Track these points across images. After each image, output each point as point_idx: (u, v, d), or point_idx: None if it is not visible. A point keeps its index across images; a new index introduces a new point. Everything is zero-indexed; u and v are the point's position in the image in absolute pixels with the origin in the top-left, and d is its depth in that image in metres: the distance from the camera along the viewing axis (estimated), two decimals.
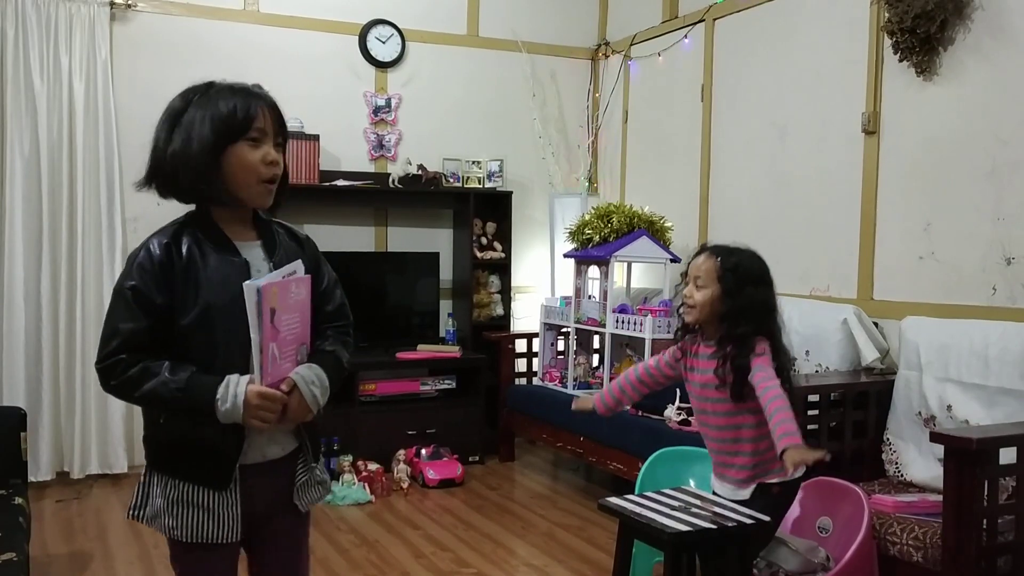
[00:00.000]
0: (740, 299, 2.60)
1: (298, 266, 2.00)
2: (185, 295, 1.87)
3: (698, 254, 2.72)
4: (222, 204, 1.99)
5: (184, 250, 1.94)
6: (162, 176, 1.96)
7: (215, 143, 1.89)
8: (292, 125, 5.22)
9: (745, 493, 2.67)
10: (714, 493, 2.76)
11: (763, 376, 2.54)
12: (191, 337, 1.86)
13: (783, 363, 2.64)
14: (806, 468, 2.57)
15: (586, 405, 2.94)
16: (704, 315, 2.65)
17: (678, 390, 4.15)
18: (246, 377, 1.84)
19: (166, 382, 1.82)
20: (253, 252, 2.01)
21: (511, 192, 5.84)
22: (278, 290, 1.86)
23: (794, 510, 3.21)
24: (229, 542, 1.93)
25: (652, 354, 4.54)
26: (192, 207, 2.06)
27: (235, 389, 1.82)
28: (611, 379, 4.82)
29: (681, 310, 2.74)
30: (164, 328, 1.86)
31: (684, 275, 2.76)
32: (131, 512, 2.03)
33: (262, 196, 2.01)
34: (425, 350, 5.50)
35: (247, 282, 1.85)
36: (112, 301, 1.90)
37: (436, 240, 5.90)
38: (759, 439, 2.63)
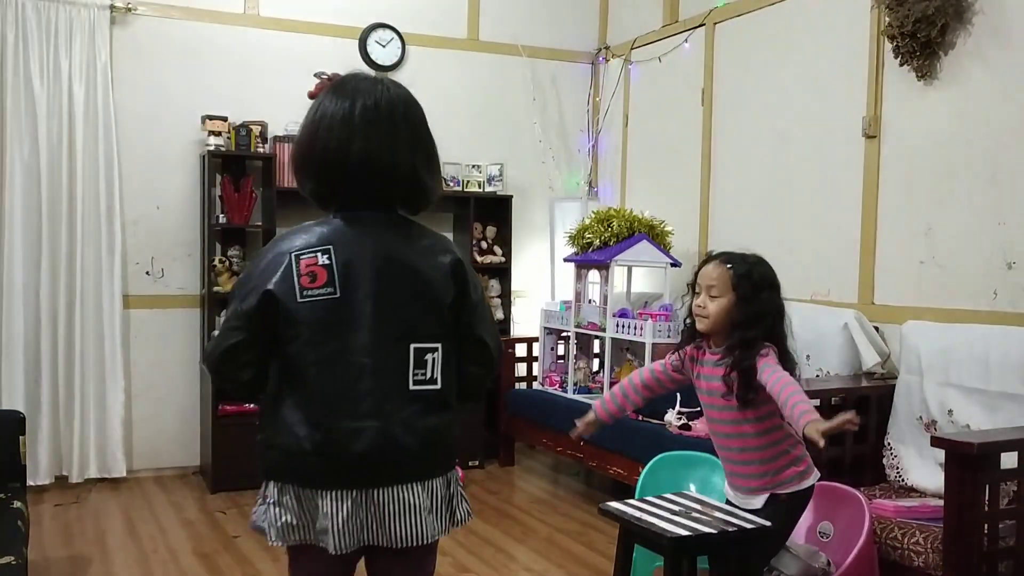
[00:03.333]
0: (755, 305, 2.58)
1: None
2: None
3: (705, 263, 2.68)
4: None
5: None
6: (431, 188, 2.03)
7: None
8: (292, 129, 5.24)
9: (757, 502, 2.65)
10: (727, 502, 2.74)
11: (770, 370, 2.51)
12: None
13: (789, 368, 2.61)
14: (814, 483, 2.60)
15: (587, 418, 2.87)
16: (718, 325, 2.61)
17: (679, 395, 4.15)
18: None
19: None
20: None
21: (511, 196, 5.84)
22: None
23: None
24: None
25: (653, 358, 4.54)
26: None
27: None
28: (611, 384, 4.82)
29: (691, 320, 2.69)
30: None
31: (691, 285, 2.71)
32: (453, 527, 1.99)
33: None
34: None
35: None
36: (488, 308, 2.04)
37: None
38: (765, 447, 2.62)
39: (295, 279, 1.85)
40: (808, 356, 4.03)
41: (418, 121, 1.99)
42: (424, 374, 1.89)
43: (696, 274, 2.70)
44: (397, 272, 1.89)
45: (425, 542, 1.89)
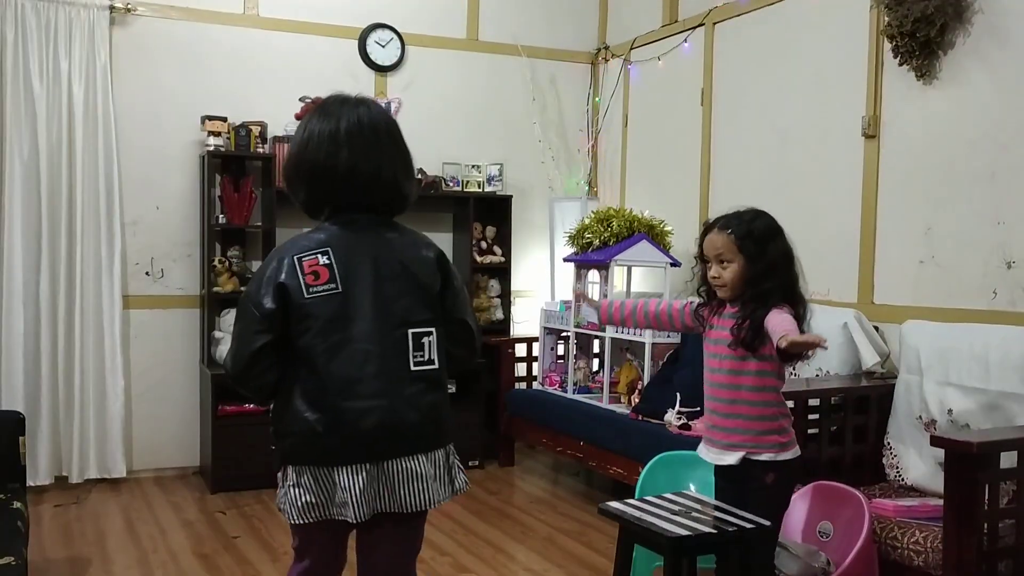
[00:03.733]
0: (764, 259, 2.62)
1: None
2: None
3: (707, 232, 2.72)
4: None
5: None
6: (410, 192, 2.33)
7: None
8: (292, 130, 5.23)
9: (730, 459, 2.67)
10: (699, 457, 2.79)
11: (777, 313, 2.54)
12: None
13: (801, 314, 2.63)
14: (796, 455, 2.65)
15: (593, 303, 3.01)
16: (738, 289, 2.65)
17: (678, 394, 4.15)
18: None
19: None
20: None
21: (511, 196, 5.84)
22: None
23: (795, 514, 3.21)
24: None
25: (652, 358, 4.56)
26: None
27: None
28: (612, 384, 4.83)
29: (707, 289, 2.74)
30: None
31: (699, 257, 2.75)
32: (451, 496, 2.25)
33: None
34: None
35: None
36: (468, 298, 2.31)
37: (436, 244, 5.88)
38: (755, 404, 2.64)
39: (301, 278, 2.07)
40: (808, 356, 4.02)
41: (397, 136, 2.24)
42: (423, 356, 2.13)
43: (701, 245, 2.74)
44: (390, 267, 2.14)
45: (432, 506, 2.14)
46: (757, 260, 2.62)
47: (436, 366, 2.16)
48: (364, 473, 2.06)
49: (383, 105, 2.32)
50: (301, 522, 2.09)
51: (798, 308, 2.63)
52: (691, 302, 2.85)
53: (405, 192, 2.25)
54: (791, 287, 2.64)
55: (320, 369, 2.05)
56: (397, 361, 2.10)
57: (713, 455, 2.73)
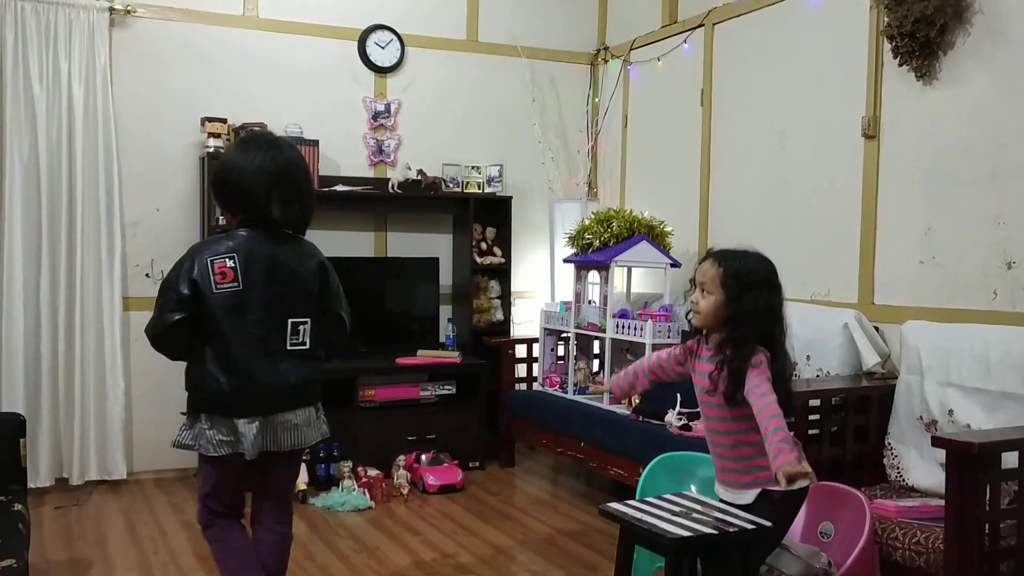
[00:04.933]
0: (743, 304, 2.60)
1: None
2: None
3: (704, 259, 2.73)
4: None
5: None
6: (308, 217, 2.96)
7: None
8: (291, 131, 5.25)
9: (748, 497, 2.66)
10: (720, 500, 2.75)
11: (758, 391, 2.53)
12: None
13: (782, 369, 2.63)
14: (808, 483, 2.58)
15: (602, 387, 3.12)
16: (710, 321, 2.67)
17: (679, 395, 4.15)
18: None
19: None
20: None
21: (511, 197, 5.84)
22: None
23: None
24: None
25: None
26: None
27: None
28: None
29: (689, 316, 2.77)
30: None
31: (692, 281, 2.77)
32: (317, 441, 2.95)
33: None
34: (425, 356, 5.49)
35: None
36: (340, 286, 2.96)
37: (436, 245, 5.89)
38: (756, 443, 2.61)
39: (211, 277, 2.74)
40: (808, 356, 4.03)
41: (305, 171, 2.94)
42: (298, 339, 2.84)
43: (696, 269, 2.75)
44: (280, 271, 2.81)
45: (303, 447, 2.89)
46: (735, 301, 2.60)
47: (307, 347, 2.85)
48: (256, 423, 2.76)
49: (294, 143, 3.12)
50: (217, 454, 2.76)
51: (779, 364, 2.60)
52: (673, 350, 2.86)
53: (309, 218, 2.94)
54: (772, 341, 2.62)
55: (227, 346, 2.74)
56: (278, 343, 2.80)
57: (731, 495, 2.71)
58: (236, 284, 2.74)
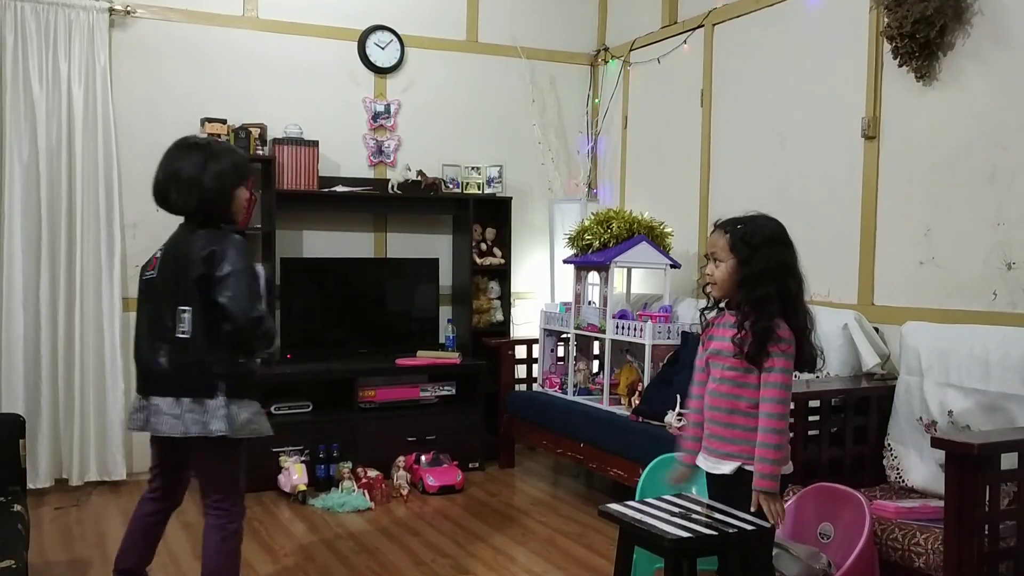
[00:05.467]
0: (754, 265, 2.63)
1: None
2: None
3: (713, 231, 2.76)
4: (228, 224, 3.08)
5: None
6: (199, 206, 2.99)
7: (234, 184, 3.02)
8: (291, 131, 5.25)
9: (726, 468, 2.68)
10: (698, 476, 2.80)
11: (772, 380, 2.58)
12: None
13: (803, 324, 2.65)
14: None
15: (680, 472, 2.86)
16: (727, 288, 2.69)
17: (678, 396, 4.15)
18: None
19: (273, 328, 3.06)
20: None
21: (511, 198, 5.84)
22: None
23: (796, 516, 3.21)
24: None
25: (652, 360, 4.56)
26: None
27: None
28: (612, 385, 4.82)
29: (707, 288, 2.79)
30: None
31: (706, 255, 2.80)
32: (226, 432, 2.89)
33: (245, 218, 3.01)
34: (425, 356, 5.49)
35: (259, 267, 3.04)
36: (246, 276, 2.91)
37: (435, 246, 5.89)
38: (754, 416, 2.63)
39: (147, 266, 3.08)
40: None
41: (196, 165, 2.98)
42: (182, 327, 2.90)
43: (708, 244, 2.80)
44: (177, 262, 2.96)
45: (178, 436, 2.90)
46: (748, 263, 2.63)
47: (188, 335, 2.90)
48: (137, 401, 3.00)
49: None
50: (129, 425, 3.05)
51: (798, 318, 2.63)
52: (697, 361, 2.85)
53: (206, 209, 3.00)
54: (788, 296, 2.64)
55: (138, 327, 3.04)
56: (164, 329, 2.92)
57: (710, 463, 2.74)
58: (153, 273, 3.02)
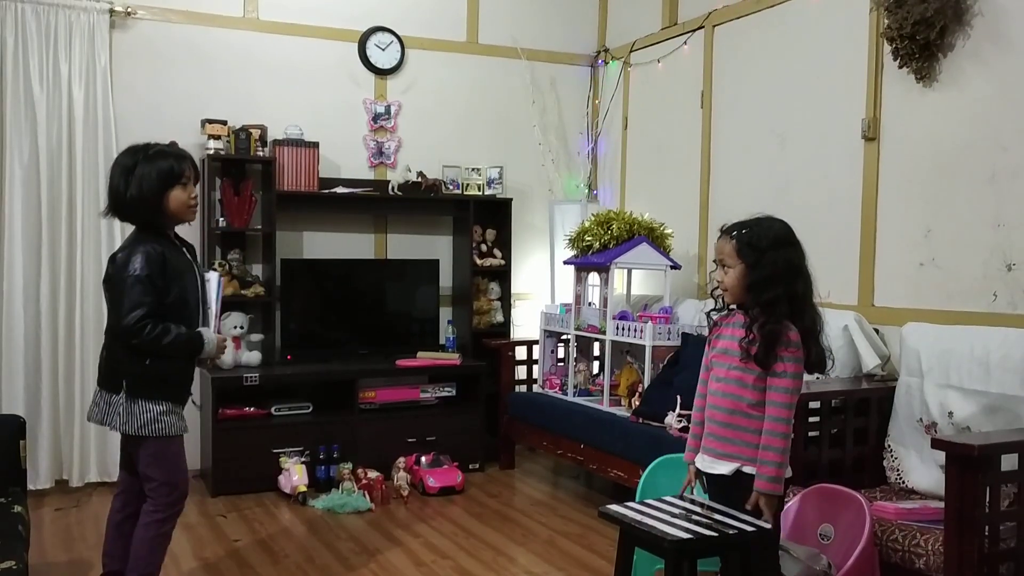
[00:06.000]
0: (762, 268, 2.64)
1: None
2: (169, 282, 3.01)
3: (719, 238, 2.76)
4: (164, 227, 3.10)
5: (163, 253, 3.01)
6: (125, 211, 3.06)
7: (161, 189, 3.02)
8: (292, 132, 5.25)
9: (723, 468, 2.68)
10: (697, 470, 2.81)
11: (780, 384, 2.59)
12: (173, 309, 3.02)
13: (812, 325, 2.65)
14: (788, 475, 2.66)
15: (689, 478, 2.86)
16: (738, 294, 2.70)
17: (679, 397, 4.15)
18: (209, 329, 3.13)
19: (180, 335, 3.00)
20: (187, 255, 3.17)
21: (511, 199, 5.84)
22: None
23: (796, 517, 3.21)
24: (187, 433, 3.17)
25: (652, 361, 4.56)
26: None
27: (209, 337, 3.11)
28: (612, 387, 4.82)
29: (716, 294, 2.80)
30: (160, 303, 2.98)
31: (715, 262, 2.81)
32: (120, 427, 3.03)
33: (191, 216, 3.14)
34: (425, 357, 5.49)
35: (212, 273, 3.22)
36: (131, 285, 2.93)
37: (436, 247, 5.89)
38: (754, 418, 2.64)
39: None
40: None
41: (120, 169, 3.06)
42: (106, 325, 3.10)
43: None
44: (111, 262, 3.09)
45: (107, 426, 3.09)
46: (756, 267, 2.64)
47: (107, 332, 3.09)
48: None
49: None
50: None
51: (804, 320, 2.63)
52: (703, 364, 2.86)
53: (145, 216, 3.05)
54: (796, 298, 2.64)
55: None
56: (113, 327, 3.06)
57: (707, 463, 2.74)
58: None
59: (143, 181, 2.99)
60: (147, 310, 2.93)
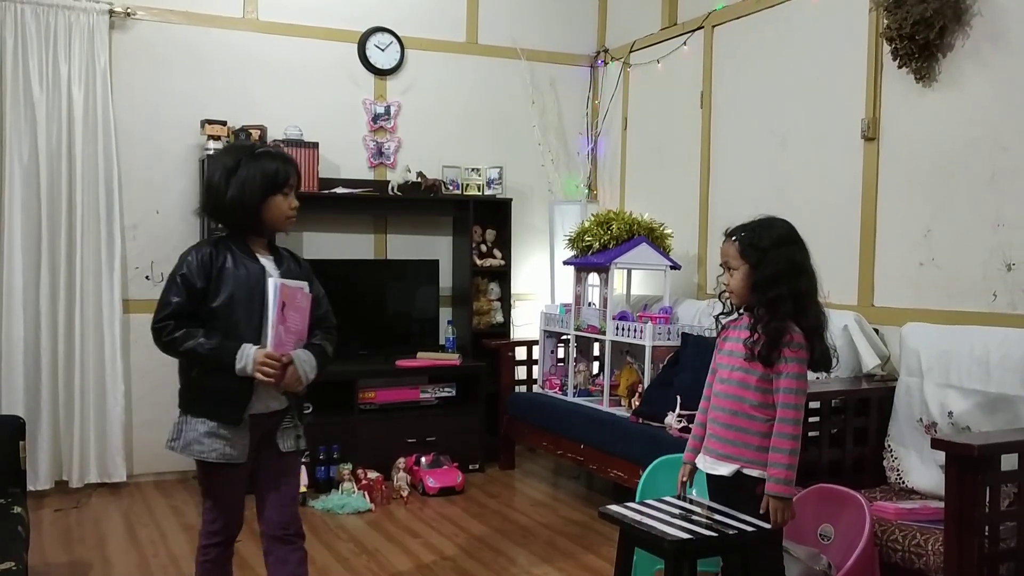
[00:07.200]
0: (765, 268, 2.64)
1: (305, 285, 2.81)
2: (218, 285, 2.69)
3: (723, 241, 2.77)
4: (258, 233, 2.81)
5: (220, 255, 2.73)
6: (220, 214, 2.79)
7: (263, 195, 2.73)
8: (291, 133, 5.25)
9: (724, 470, 2.68)
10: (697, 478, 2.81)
11: (786, 386, 2.59)
12: (219, 315, 2.69)
13: (815, 324, 2.65)
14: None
15: (685, 472, 2.86)
16: (744, 295, 2.70)
17: (679, 397, 4.15)
18: (256, 345, 2.67)
19: (202, 343, 2.65)
20: (268, 263, 2.81)
21: (511, 199, 5.84)
22: (289, 291, 2.71)
23: (796, 517, 3.20)
24: (241, 463, 2.74)
25: (652, 361, 4.56)
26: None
27: (248, 351, 2.65)
28: (612, 387, 4.83)
29: (723, 298, 2.80)
30: (199, 306, 2.69)
31: (721, 265, 2.82)
32: (168, 444, 2.79)
33: (288, 227, 2.85)
34: (425, 358, 5.49)
35: (272, 278, 2.72)
36: (167, 283, 2.74)
37: (436, 247, 5.89)
38: (756, 420, 2.64)
39: None
40: None
41: (247, 190, 2.75)
42: None
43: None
44: None
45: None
46: (760, 267, 2.64)
47: None
48: None
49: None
50: None
51: (808, 318, 2.63)
52: (711, 367, 2.86)
53: (228, 218, 2.80)
54: (800, 296, 2.64)
55: None
56: None
57: (708, 464, 2.74)
58: None
59: (246, 184, 2.70)
60: (172, 310, 2.68)
